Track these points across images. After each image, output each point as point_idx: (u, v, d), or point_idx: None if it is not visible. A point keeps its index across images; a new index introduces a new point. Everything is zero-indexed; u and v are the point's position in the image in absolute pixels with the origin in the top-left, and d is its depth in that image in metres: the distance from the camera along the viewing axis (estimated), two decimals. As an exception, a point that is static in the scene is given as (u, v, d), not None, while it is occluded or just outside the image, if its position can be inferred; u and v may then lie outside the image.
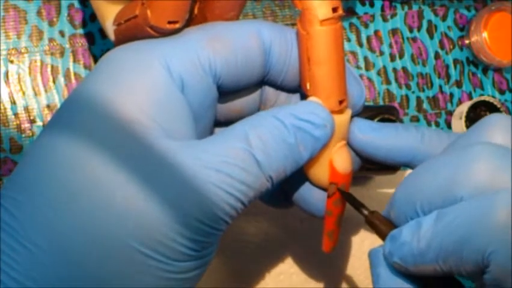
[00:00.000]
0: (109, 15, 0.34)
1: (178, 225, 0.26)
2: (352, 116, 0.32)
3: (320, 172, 0.32)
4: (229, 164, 0.27)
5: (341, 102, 0.30)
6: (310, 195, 0.33)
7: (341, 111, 0.31)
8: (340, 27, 0.29)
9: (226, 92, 0.31)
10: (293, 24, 0.30)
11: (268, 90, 0.33)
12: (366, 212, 0.30)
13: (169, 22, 0.29)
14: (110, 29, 0.34)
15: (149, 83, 0.27)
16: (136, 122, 0.27)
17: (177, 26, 0.30)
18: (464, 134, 0.30)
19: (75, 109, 0.28)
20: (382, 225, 0.30)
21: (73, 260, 0.26)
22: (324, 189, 0.32)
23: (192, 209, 0.26)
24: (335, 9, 0.29)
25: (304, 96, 0.32)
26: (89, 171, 0.26)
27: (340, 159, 0.31)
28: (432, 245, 0.26)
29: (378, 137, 0.32)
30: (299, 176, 0.32)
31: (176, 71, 0.28)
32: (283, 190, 0.34)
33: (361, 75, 0.52)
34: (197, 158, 0.27)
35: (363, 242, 0.46)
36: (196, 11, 0.32)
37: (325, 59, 0.29)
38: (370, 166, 0.35)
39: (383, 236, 0.29)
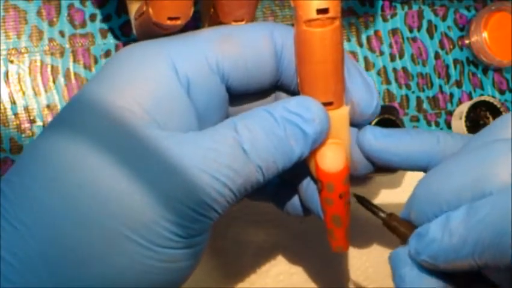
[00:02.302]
0: (132, 10, 0.36)
1: (161, 207, 0.26)
2: (363, 125, 0.32)
3: (312, 169, 0.31)
4: (215, 150, 0.27)
5: (327, 104, 0.29)
6: (314, 195, 0.33)
7: (333, 109, 0.30)
8: (331, 30, 0.28)
9: (237, 95, 0.31)
10: (293, 25, 0.30)
11: (282, 96, 0.32)
12: (383, 215, 0.30)
13: (170, 18, 0.30)
14: (132, 22, 0.36)
15: (150, 79, 0.28)
16: (128, 111, 0.27)
17: (179, 22, 0.30)
18: (478, 134, 0.29)
19: (73, 104, 0.28)
20: (401, 227, 0.29)
21: (54, 237, 0.26)
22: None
23: (175, 192, 0.26)
24: (324, 11, 0.28)
25: None
26: (75, 153, 0.26)
27: (323, 157, 0.30)
28: (468, 240, 0.26)
29: (394, 144, 0.31)
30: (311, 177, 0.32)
31: (182, 69, 0.28)
32: (300, 198, 0.34)
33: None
34: (183, 144, 0.27)
35: (363, 242, 0.46)
36: (212, 9, 0.32)
37: (308, 58, 0.29)
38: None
39: (403, 237, 0.29)
